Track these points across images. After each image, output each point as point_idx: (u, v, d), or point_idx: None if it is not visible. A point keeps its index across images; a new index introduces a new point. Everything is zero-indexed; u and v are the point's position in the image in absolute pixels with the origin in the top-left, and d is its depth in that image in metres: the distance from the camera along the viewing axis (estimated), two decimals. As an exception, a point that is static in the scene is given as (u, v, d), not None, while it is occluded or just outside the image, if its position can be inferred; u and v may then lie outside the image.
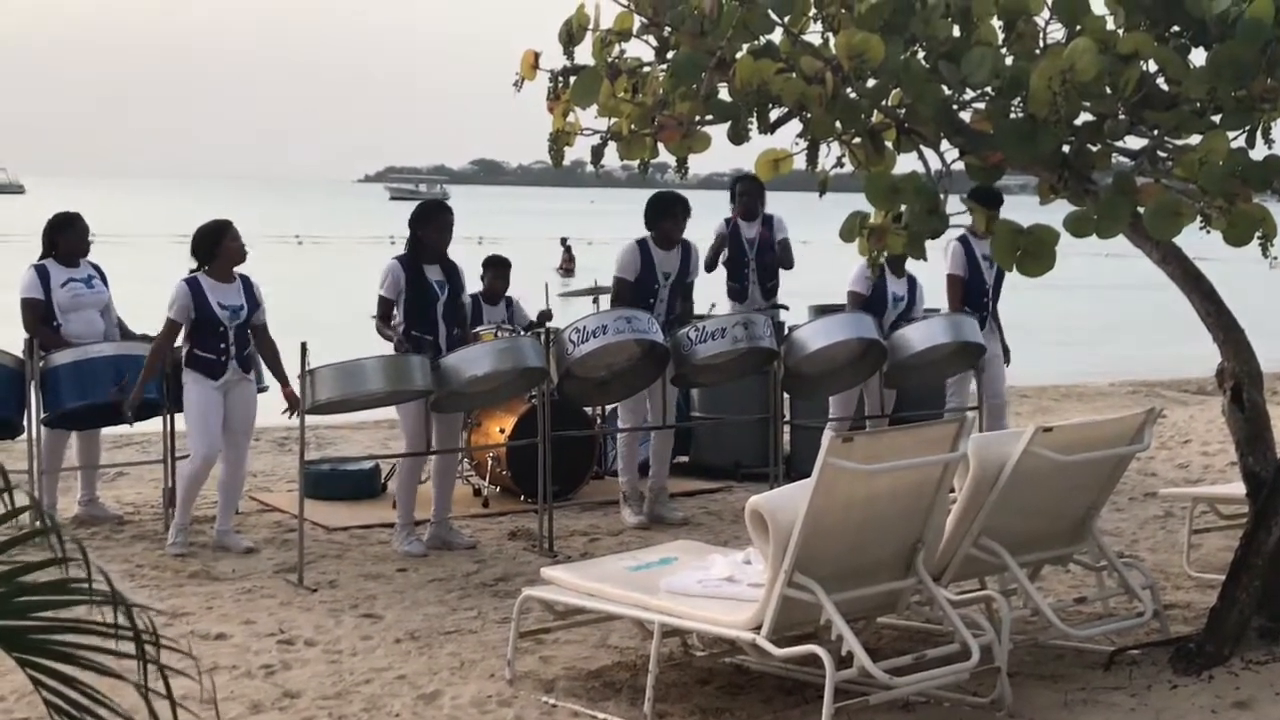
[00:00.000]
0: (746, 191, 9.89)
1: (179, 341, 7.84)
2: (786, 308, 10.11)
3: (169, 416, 8.27)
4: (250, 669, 5.85)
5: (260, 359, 8.05)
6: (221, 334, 7.74)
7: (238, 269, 7.87)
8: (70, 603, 2.68)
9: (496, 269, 9.68)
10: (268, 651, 6.09)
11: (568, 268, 36.43)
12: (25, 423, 7.98)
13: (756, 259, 9.93)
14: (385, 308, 7.89)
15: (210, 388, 7.74)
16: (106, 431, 9.03)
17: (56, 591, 2.67)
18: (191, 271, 7.80)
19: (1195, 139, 5.10)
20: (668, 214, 8.63)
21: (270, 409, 8.24)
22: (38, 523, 2.64)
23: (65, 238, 8.38)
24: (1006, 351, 9.62)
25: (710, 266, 9.75)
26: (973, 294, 9.27)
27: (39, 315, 8.19)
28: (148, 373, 7.80)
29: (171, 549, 7.74)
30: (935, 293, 9.56)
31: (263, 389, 8.54)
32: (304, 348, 7.19)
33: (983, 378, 9.25)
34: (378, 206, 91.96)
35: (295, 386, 7.47)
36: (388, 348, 7.93)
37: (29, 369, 7.89)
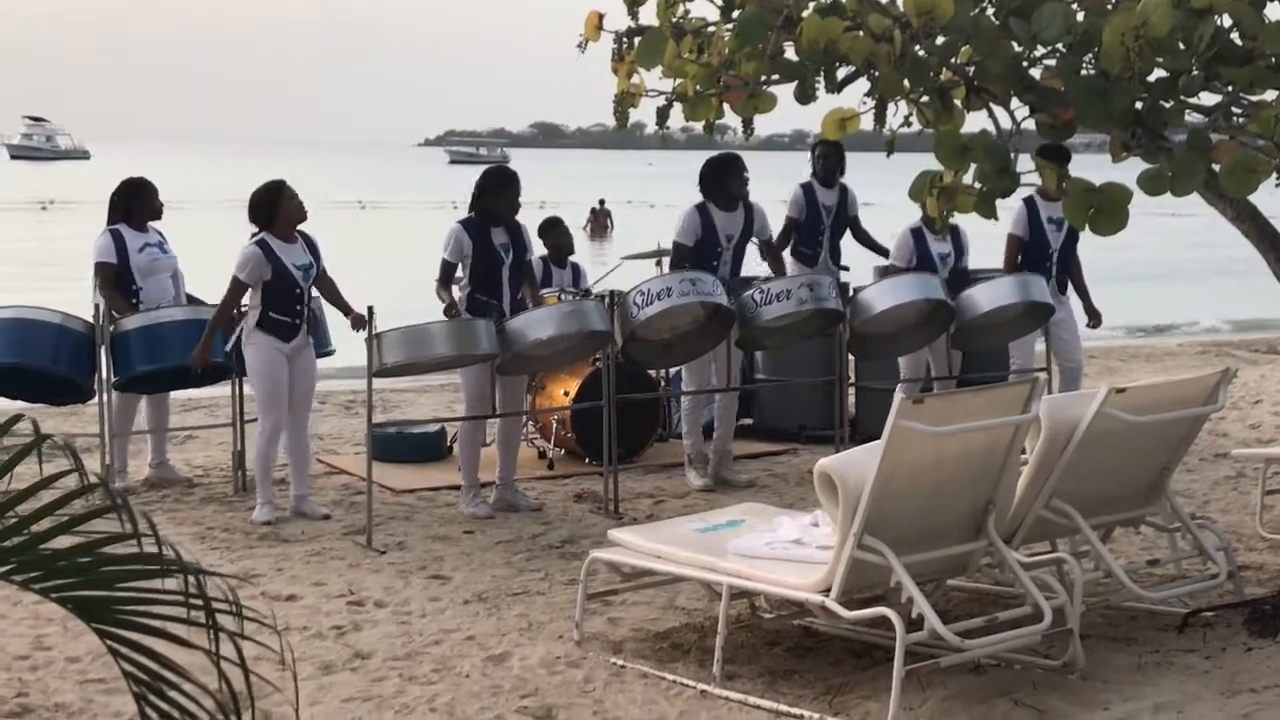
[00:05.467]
0: (826, 156, 9.80)
1: (244, 305, 7.85)
2: (848, 268, 10.03)
3: (238, 380, 8.32)
4: (321, 630, 5.90)
5: (320, 322, 8.09)
6: (298, 295, 7.72)
7: (299, 228, 7.85)
8: (146, 574, 2.69)
9: (557, 231, 9.68)
10: (338, 613, 6.14)
11: (596, 228, 36.48)
12: (96, 387, 8.07)
13: (832, 227, 9.86)
14: (447, 271, 7.87)
15: (280, 351, 7.73)
16: (175, 395, 9.11)
17: (132, 563, 2.69)
18: (254, 235, 7.71)
19: (1271, 94, 5.02)
20: (721, 174, 8.56)
21: (332, 373, 8.25)
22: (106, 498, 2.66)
23: (139, 202, 8.46)
24: (1096, 314, 9.46)
25: (783, 243, 9.61)
26: (1034, 256, 9.11)
27: (112, 280, 8.27)
28: (213, 329, 7.81)
29: (259, 518, 7.67)
30: (996, 253, 9.43)
31: (328, 352, 8.57)
32: (370, 312, 7.24)
33: (1054, 341, 9.14)
34: (439, 170, 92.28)
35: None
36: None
37: (99, 334, 7.97)
